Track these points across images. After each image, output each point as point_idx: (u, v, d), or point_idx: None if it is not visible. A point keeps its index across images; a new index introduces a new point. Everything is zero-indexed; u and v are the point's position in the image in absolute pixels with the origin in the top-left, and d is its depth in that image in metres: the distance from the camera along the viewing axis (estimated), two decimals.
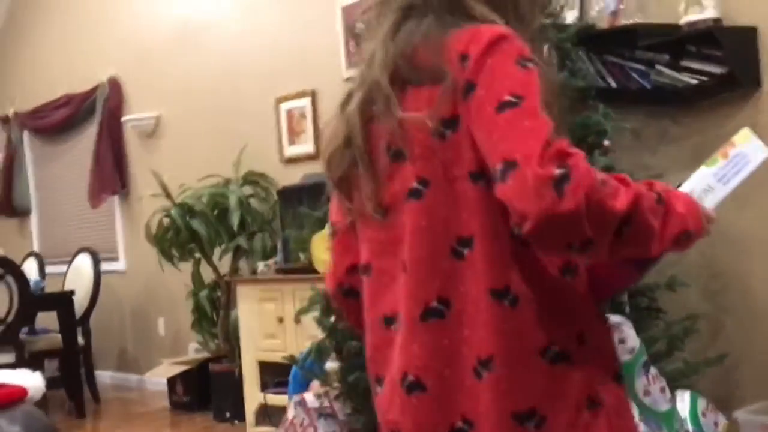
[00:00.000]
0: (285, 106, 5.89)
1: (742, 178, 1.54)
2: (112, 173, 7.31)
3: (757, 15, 3.57)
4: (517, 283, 1.37)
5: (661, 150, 3.86)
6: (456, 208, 1.38)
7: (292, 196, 5.23)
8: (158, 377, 6.42)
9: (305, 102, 5.75)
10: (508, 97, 1.30)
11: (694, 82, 3.62)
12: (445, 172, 1.38)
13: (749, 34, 3.58)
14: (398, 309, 1.46)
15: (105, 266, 7.13)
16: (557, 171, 1.23)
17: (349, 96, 1.51)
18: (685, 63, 3.65)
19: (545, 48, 1.54)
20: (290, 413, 3.62)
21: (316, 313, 3.46)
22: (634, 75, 3.76)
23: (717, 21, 3.55)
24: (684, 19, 3.60)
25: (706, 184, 1.50)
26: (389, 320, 1.49)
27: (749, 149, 1.54)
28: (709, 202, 1.48)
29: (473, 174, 1.36)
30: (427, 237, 1.41)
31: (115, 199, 7.49)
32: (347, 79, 5.16)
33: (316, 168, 5.48)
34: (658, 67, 3.71)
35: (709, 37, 3.56)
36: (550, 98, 1.41)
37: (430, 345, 1.41)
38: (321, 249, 4.12)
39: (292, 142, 5.87)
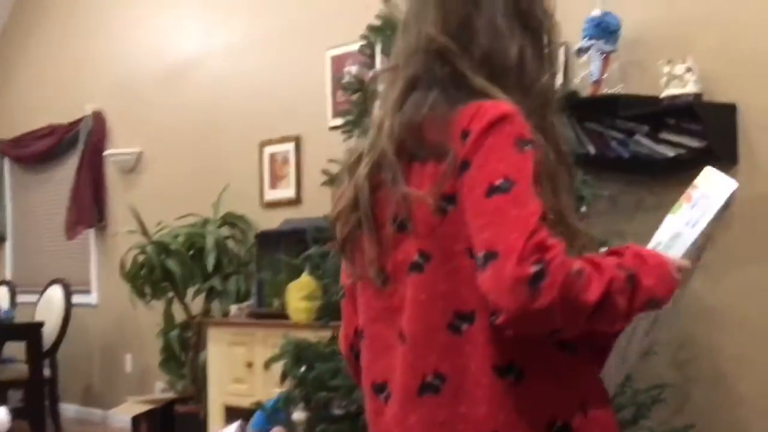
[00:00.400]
0: (268, 150, 5.92)
1: (711, 218, 1.49)
2: (90, 206, 7.29)
3: (736, 92, 3.65)
4: (521, 358, 1.37)
5: (636, 218, 3.91)
6: (456, 283, 1.38)
7: (270, 240, 5.24)
8: (123, 414, 6.35)
9: (289, 147, 5.78)
10: (498, 182, 1.31)
11: (672, 154, 3.68)
12: (446, 246, 1.39)
13: (728, 110, 3.65)
14: (389, 378, 1.46)
15: (77, 299, 7.08)
16: (534, 268, 1.25)
17: (358, 158, 1.52)
18: (664, 135, 3.71)
19: (556, 115, 1.54)
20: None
21: (285, 361, 3.46)
22: (613, 143, 3.82)
23: (697, 96, 3.63)
24: (665, 93, 3.67)
25: (673, 232, 1.48)
26: (378, 388, 1.49)
27: (713, 187, 1.49)
28: (677, 250, 1.46)
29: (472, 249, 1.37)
30: (426, 311, 1.41)
31: (92, 232, 7.46)
32: (332, 128, 5.21)
33: (296, 213, 5.51)
34: (637, 137, 3.77)
35: (688, 111, 3.63)
36: (562, 167, 1.45)
37: (426, 420, 1.40)
38: (296, 297, 4.13)
39: (273, 186, 5.90)
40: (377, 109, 1.54)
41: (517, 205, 1.30)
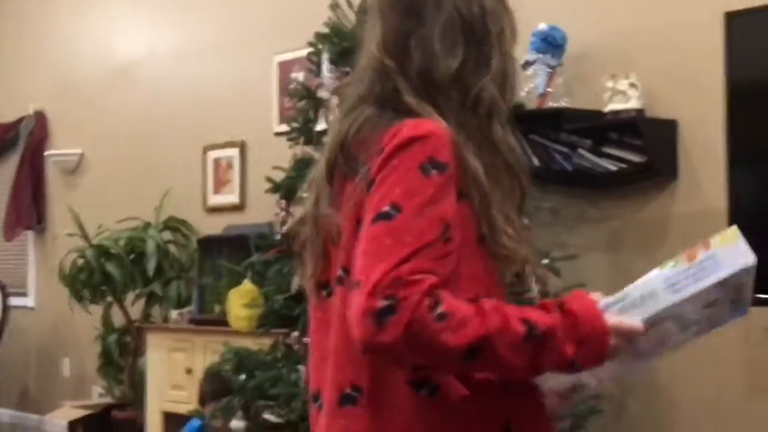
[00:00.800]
0: (213, 155, 5.87)
1: (705, 287, 1.30)
2: (29, 207, 7.16)
3: (677, 109, 3.71)
4: (435, 373, 1.36)
5: (578, 230, 3.96)
6: None
7: (212, 246, 5.20)
8: (59, 419, 6.25)
9: (234, 152, 5.74)
10: (386, 208, 1.30)
11: (614, 168, 3.72)
12: None
13: (669, 126, 3.70)
14: (322, 388, 1.47)
15: (14, 301, 6.95)
16: (383, 303, 1.24)
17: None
18: (607, 149, 3.76)
19: (506, 127, 1.51)
20: None
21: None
22: (557, 156, 3.85)
23: (639, 111, 3.68)
24: (608, 107, 3.72)
25: (650, 289, 1.33)
26: (314, 397, 1.51)
27: (727, 253, 1.31)
28: (640, 312, 1.33)
29: None
30: (347, 324, 1.40)
31: (30, 234, 7.33)
32: (278, 134, 5.18)
33: (240, 219, 5.47)
34: (581, 150, 3.81)
35: (631, 126, 3.68)
36: (512, 181, 1.44)
37: (345, 431, 1.40)
38: (237, 305, 4.10)
39: (217, 191, 5.85)
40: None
41: (394, 234, 1.28)
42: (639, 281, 1.35)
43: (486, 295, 1.35)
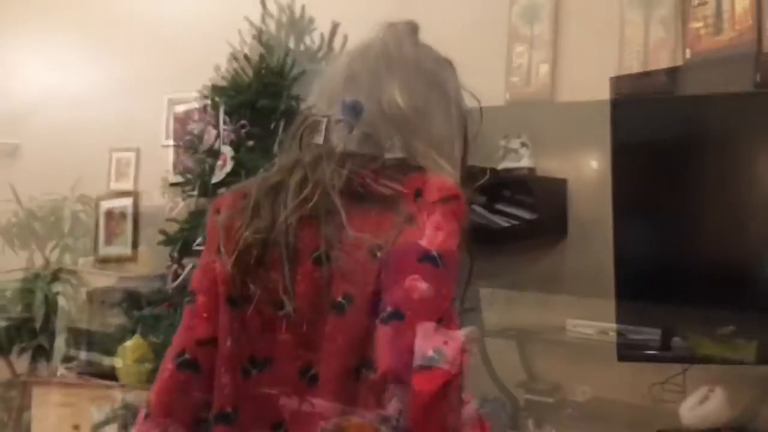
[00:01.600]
0: (105, 204, 5.77)
1: None
2: None
3: (567, 169, 3.82)
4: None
5: (474, 286, 4.00)
6: (372, 329, 1.38)
7: (102, 298, 5.08)
8: None
9: (127, 202, 5.66)
10: (434, 252, 1.38)
11: (507, 224, 3.79)
12: (373, 292, 1.40)
13: (559, 185, 3.80)
14: (293, 410, 1.45)
15: None
16: (431, 352, 1.28)
17: (273, 188, 1.53)
18: (499, 206, 3.83)
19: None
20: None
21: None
22: None
23: (531, 170, 3.77)
24: (501, 165, 3.80)
25: None
26: (277, 426, 1.47)
27: None
28: None
29: None
30: (342, 353, 1.41)
31: None
32: (172, 185, 5.12)
33: (132, 270, 5.38)
34: (475, 207, 3.87)
35: (522, 185, 3.77)
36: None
37: None
38: (127, 359, 4.02)
39: (108, 242, 5.75)
40: (310, 150, 1.55)
41: (439, 280, 1.36)
42: None
43: None
